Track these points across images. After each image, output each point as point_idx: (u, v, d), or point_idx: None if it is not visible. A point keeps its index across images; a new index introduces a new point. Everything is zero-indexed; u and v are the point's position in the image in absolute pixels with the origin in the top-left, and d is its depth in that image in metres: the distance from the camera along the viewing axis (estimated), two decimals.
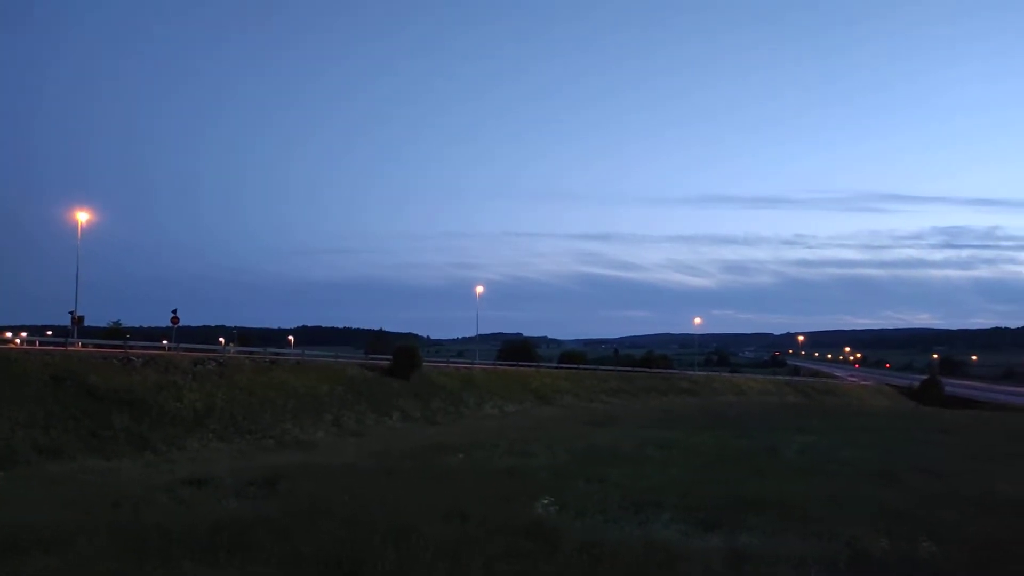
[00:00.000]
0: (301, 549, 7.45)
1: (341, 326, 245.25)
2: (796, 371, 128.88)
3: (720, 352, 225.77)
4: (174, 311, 36.92)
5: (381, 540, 7.64)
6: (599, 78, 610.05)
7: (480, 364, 49.91)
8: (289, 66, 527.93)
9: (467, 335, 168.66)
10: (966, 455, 18.02)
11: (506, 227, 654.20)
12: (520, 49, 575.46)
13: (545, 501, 9.87)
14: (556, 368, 56.40)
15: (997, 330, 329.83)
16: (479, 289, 63.12)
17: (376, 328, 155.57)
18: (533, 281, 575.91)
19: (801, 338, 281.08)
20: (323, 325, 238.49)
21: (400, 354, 35.92)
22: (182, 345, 32.85)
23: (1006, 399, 79.16)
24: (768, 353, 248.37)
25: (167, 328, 42.01)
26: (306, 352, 41.03)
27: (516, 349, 63.61)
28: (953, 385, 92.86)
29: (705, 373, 79.01)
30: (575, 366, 59.05)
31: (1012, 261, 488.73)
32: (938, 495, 11.53)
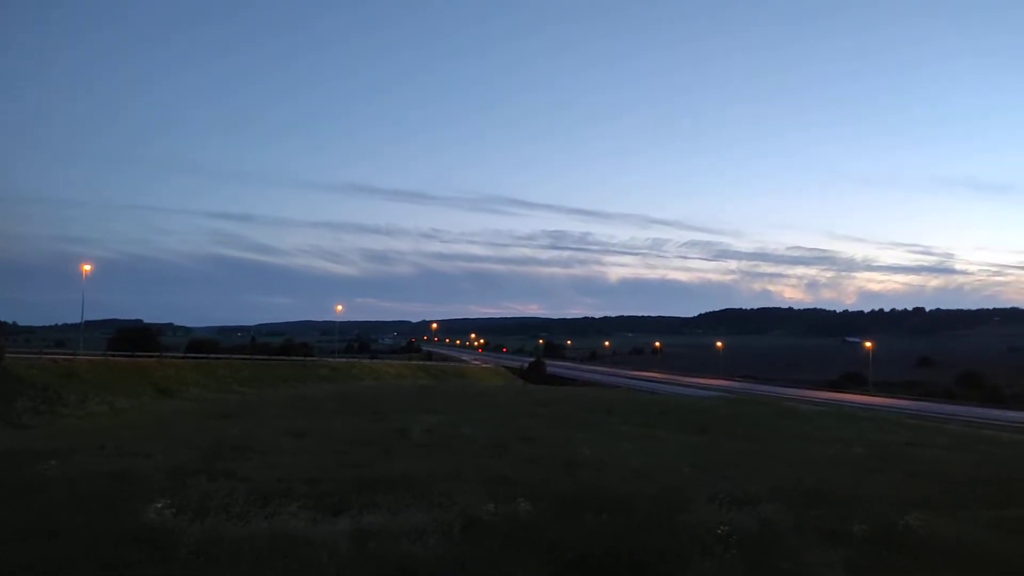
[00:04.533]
0: None
1: None
2: (429, 356, 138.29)
3: (361, 339, 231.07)
4: None
5: None
6: (235, 46, 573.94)
7: (86, 355, 43.13)
8: None
9: (71, 321, 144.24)
10: (559, 425, 21.39)
11: (127, 199, 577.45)
12: (156, 15, 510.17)
13: (159, 504, 8.96)
14: (182, 358, 51.52)
15: (586, 319, 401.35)
16: (87, 268, 54.30)
17: None
18: (159, 261, 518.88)
19: (435, 325, 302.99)
20: None
21: None
22: None
23: (591, 376, 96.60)
24: (406, 339, 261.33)
25: None
26: None
27: (133, 337, 56.67)
28: (553, 365, 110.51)
29: (345, 360, 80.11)
30: (205, 355, 54.81)
31: (598, 262, 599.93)
32: (535, 460, 13.51)
